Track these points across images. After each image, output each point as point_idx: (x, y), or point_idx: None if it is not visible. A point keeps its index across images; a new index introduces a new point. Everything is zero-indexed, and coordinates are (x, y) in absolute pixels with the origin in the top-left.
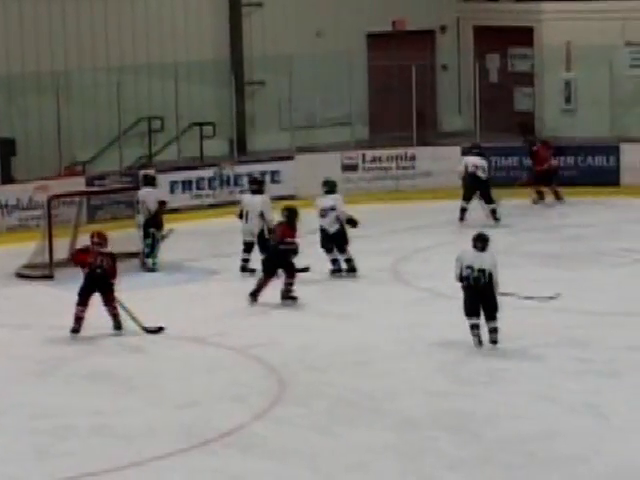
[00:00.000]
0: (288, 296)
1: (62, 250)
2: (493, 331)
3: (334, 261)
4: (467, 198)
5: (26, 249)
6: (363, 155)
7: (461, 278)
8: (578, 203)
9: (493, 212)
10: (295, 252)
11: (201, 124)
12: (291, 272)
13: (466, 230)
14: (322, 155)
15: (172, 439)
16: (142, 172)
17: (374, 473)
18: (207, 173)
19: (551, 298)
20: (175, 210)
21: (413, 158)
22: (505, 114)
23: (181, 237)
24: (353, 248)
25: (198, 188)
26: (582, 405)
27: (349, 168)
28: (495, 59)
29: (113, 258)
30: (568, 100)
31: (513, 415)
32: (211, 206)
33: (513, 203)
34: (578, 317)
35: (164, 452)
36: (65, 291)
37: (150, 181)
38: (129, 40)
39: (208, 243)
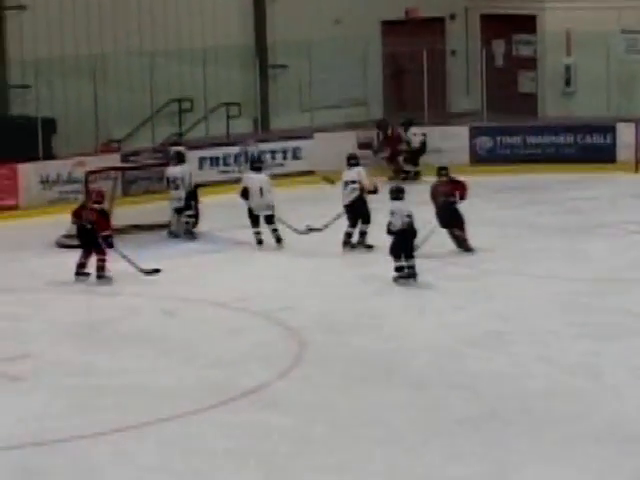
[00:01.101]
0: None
1: None
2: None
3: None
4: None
5: (65, 220)
6: (378, 134)
7: (389, 230)
8: (578, 179)
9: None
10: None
11: (228, 104)
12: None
13: (473, 203)
14: (339, 134)
15: (201, 396)
16: (173, 149)
17: (387, 427)
18: (233, 150)
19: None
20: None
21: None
22: (510, 96)
23: (209, 209)
24: (373, 219)
25: (225, 164)
26: (579, 366)
27: (364, 146)
28: (501, 45)
29: (101, 212)
30: (568, 83)
31: (516, 375)
32: (237, 180)
33: (519, 178)
34: (576, 284)
35: (194, 408)
36: None
37: (182, 158)
38: (161, 26)
39: (234, 215)
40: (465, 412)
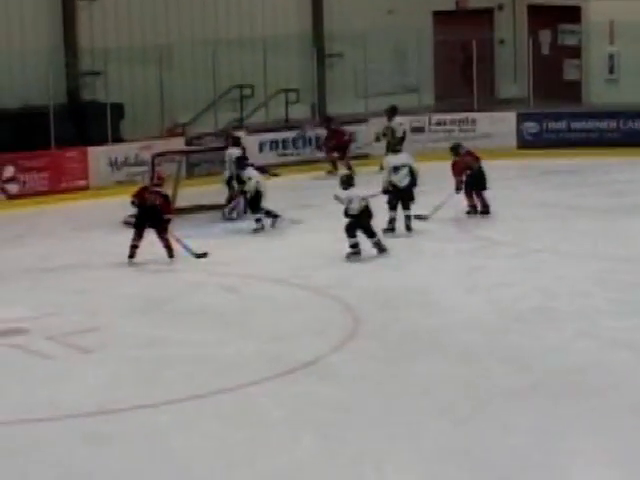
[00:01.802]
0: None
1: None
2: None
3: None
4: None
5: None
6: (429, 119)
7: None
8: (620, 162)
9: None
10: None
11: (286, 91)
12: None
13: (520, 185)
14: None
15: (261, 368)
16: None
17: (435, 399)
18: (291, 134)
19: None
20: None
21: (474, 122)
22: (555, 83)
23: (268, 191)
24: (420, 201)
25: (283, 147)
26: (621, 341)
27: (417, 130)
28: (547, 34)
29: (166, 197)
30: (611, 71)
31: (560, 349)
32: (295, 163)
33: (564, 162)
34: (617, 263)
35: (254, 379)
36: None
37: (236, 142)
38: (223, 16)
39: (292, 196)
40: (512, 384)
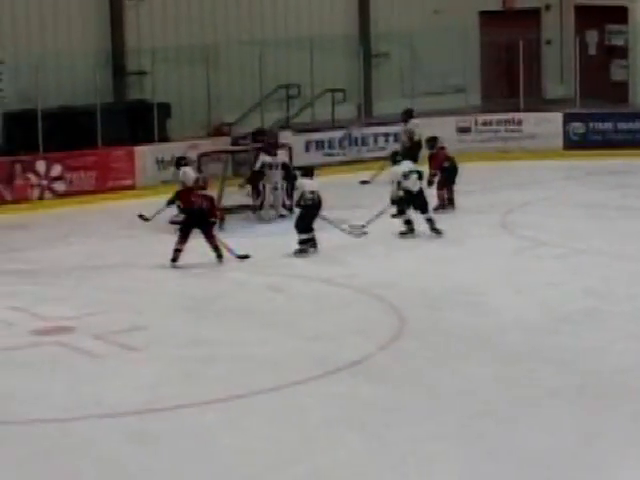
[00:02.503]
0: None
1: None
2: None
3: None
4: None
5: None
6: (475, 119)
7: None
8: None
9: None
10: None
11: (333, 91)
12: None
13: (566, 186)
14: (439, 119)
15: (307, 367)
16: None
17: (480, 398)
18: (337, 134)
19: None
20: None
21: (520, 122)
22: (602, 83)
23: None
24: (464, 201)
25: (330, 147)
26: None
27: (463, 130)
28: (593, 34)
29: (212, 200)
30: None
31: (607, 350)
32: (341, 163)
33: (610, 162)
34: None
35: (300, 378)
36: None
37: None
38: (270, 17)
39: (338, 195)
40: (557, 385)
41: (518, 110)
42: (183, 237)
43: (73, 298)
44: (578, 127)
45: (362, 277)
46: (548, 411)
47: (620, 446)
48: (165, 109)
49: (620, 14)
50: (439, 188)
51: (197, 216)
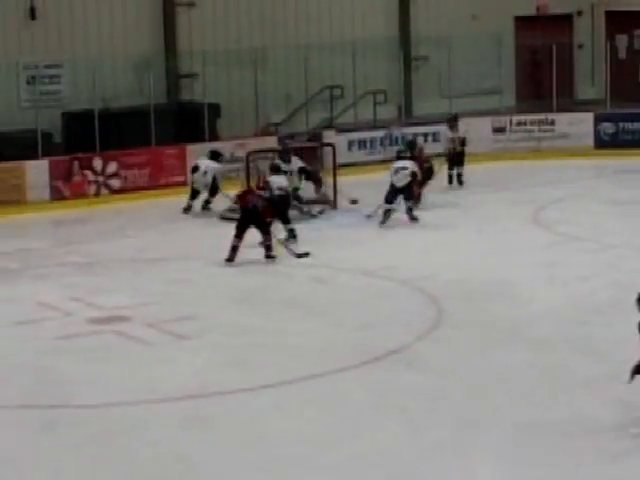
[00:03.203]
0: None
1: None
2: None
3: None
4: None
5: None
6: (510, 120)
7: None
8: None
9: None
10: None
11: (374, 92)
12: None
13: (597, 184)
14: (476, 119)
15: (348, 356)
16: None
17: (514, 386)
18: (379, 134)
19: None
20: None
21: (553, 122)
22: (631, 85)
23: (357, 187)
24: (500, 198)
25: (371, 146)
26: None
27: (498, 130)
28: (623, 39)
29: (268, 200)
30: None
31: (634, 340)
32: (382, 161)
33: (638, 161)
34: None
35: (341, 366)
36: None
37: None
38: (315, 21)
39: (380, 192)
40: (588, 373)
41: (551, 111)
42: (238, 235)
43: (128, 289)
44: (608, 127)
45: (403, 269)
46: (580, 399)
47: None
48: (215, 109)
49: None
50: (419, 186)
51: (251, 214)
